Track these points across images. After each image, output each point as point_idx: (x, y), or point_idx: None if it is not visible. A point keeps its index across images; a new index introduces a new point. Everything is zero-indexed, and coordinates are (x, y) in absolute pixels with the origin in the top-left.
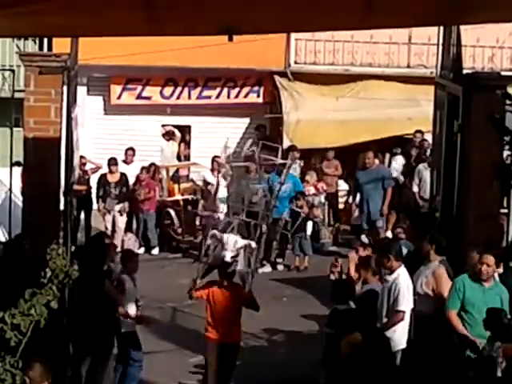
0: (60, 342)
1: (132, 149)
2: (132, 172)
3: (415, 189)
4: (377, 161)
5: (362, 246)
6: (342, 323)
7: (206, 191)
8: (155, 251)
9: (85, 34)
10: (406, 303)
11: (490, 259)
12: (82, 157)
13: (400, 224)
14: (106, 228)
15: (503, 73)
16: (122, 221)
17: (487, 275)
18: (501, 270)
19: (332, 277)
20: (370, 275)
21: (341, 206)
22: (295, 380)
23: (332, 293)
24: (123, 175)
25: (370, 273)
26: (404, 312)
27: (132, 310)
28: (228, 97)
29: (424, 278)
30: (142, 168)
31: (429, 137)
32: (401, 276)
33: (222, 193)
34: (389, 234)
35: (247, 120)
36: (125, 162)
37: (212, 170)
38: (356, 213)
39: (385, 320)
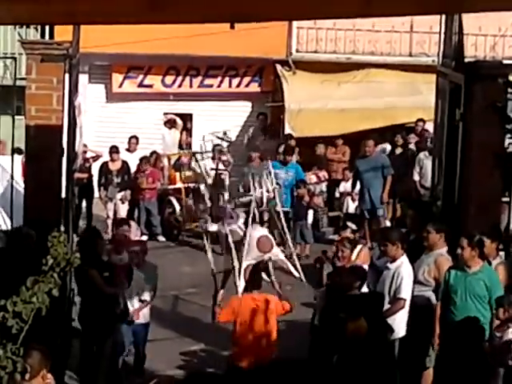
0: (61, 329)
1: (135, 137)
2: (135, 160)
3: (416, 177)
4: (377, 149)
5: (353, 233)
6: (351, 308)
7: (217, 180)
8: (162, 238)
9: (86, 22)
10: (408, 291)
11: (463, 241)
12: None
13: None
14: (108, 216)
15: (505, 61)
16: (123, 209)
17: (462, 258)
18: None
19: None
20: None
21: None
22: (296, 364)
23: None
24: (125, 163)
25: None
26: (405, 300)
27: (134, 303)
28: (230, 85)
29: (426, 266)
30: (143, 157)
31: (430, 125)
32: (404, 264)
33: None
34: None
35: (249, 108)
36: (128, 150)
37: (213, 159)
38: (349, 202)
39: (386, 307)
